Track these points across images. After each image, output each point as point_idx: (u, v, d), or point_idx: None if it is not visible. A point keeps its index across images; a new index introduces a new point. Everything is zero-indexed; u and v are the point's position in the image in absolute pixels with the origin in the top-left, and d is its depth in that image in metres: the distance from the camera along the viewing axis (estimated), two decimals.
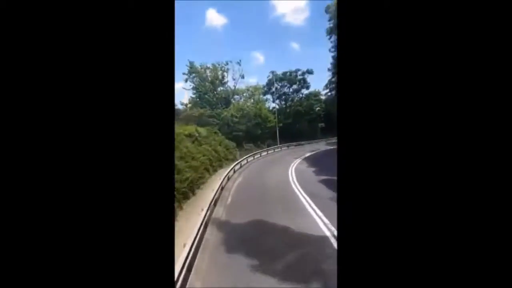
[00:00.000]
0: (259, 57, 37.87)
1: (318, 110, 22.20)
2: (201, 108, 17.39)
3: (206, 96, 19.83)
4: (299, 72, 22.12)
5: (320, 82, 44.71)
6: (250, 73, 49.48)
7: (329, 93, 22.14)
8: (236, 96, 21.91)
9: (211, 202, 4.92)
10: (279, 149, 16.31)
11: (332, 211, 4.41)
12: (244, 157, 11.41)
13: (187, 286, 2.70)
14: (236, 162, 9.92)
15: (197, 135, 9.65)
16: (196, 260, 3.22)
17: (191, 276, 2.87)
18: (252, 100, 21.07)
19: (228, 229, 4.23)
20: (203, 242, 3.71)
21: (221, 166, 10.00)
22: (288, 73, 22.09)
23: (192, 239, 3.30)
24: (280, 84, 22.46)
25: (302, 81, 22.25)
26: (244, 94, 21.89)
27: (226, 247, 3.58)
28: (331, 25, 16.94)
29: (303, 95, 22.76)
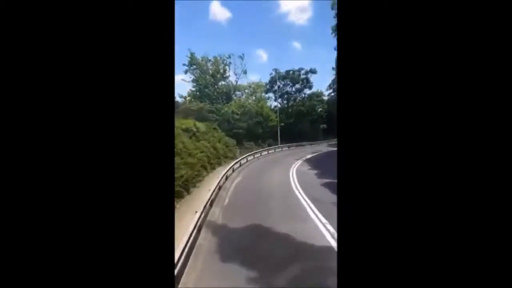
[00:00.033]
0: (262, 54, 37.46)
1: (321, 111, 21.96)
2: (201, 102, 16.89)
3: (206, 90, 19.34)
4: (303, 71, 21.77)
5: (322, 83, 44.57)
6: (253, 71, 49.20)
7: (332, 94, 21.81)
8: (237, 92, 21.48)
9: (206, 203, 4.54)
10: (280, 149, 16.04)
11: (336, 218, 4.05)
12: (244, 156, 11.04)
13: None
14: (236, 161, 9.54)
15: (195, 130, 9.24)
16: (186, 269, 2.85)
17: None
18: (254, 97, 20.69)
19: (224, 234, 3.86)
20: (195, 249, 3.34)
21: (219, 164, 9.61)
22: (291, 72, 21.70)
23: (183, 244, 2.92)
24: (282, 83, 22.07)
25: (305, 80, 21.88)
26: (246, 91, 21.49)
27: (221, 255, 3.22)
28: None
29: (306, 95, 22.46)
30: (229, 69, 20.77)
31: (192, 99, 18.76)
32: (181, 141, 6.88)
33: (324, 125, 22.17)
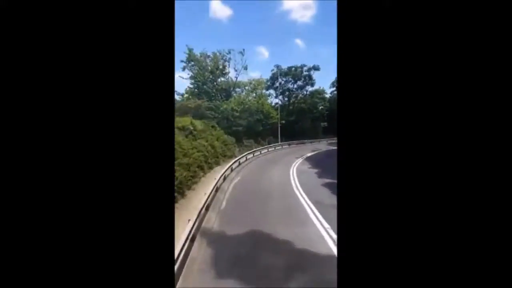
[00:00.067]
0: (264, 52, 36.82)
1: (322, 109, 21.59)
2: (199, 99, 16.39)
3: (204, 86, 18.75)
4: (305, 68, 21.23)
5: (325, 80, 44.10)
6: (254, 68, 48.59)
7: (335, 92, 21.41)
8: (237, 89, 20.94)
9: (202, 208, 4.21)
10: (280, 147, 15.84)
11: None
12: (243, 155, 10.71)
13: None
14: (234, 160, 9.20)
15: (191, 128, 8.85)
16: None
17: None
18: (254, 94, 20.15)
19: (220, 243, 3.55)
20: (187, 263, 3.03)
21: (217, 163, 9.27)
22: (293, 68, 21.21)
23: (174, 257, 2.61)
24: (284, 79, 21.59)
25: (307, 77, 21.42)
26: (246, 87, 20.93)
27: (216, 270, 2.91)
28: None
29: (308, 92, 22.03)
30: (229, 65, 20.14)
31: (190, 97, 18.20)
32: (176, 140, 6.50)
33: (325, 123, 21.87)
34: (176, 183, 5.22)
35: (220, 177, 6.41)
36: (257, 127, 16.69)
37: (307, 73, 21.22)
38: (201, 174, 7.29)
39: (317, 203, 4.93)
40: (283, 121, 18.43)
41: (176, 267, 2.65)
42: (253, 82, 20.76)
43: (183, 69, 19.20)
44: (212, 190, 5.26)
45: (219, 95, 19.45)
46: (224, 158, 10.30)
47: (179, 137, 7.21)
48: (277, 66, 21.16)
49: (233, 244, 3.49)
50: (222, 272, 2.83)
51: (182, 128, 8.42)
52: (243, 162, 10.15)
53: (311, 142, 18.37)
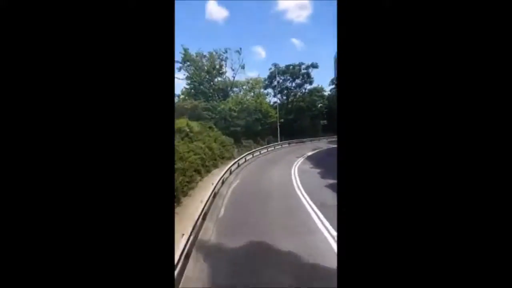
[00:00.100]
0: (261, 52, 36.56)
1: (321, 106, 21.34)
2: (195, 100, 15.95)
3: (201, 87, 18.29)
4: (303, 66, 20.91)
5: (322, 78, 43.98)
6: (251, 68, 48.41)
7: (334, 89, 21.13)
8: (235, 89, 20.51)
9: (198, 218, 3.85)
10: (280, 146, 15.55)
11: None
12: (242, 156, 10.34)
13: None
14: (233, 162, 8.83)
15: (188, 130, 8.47)
16: None
17: None
18: (252, 94, 19.72)
19: (218, 258, 3.19)
20: (181, 284, 2.67)
21: (215, 166, 8.90)
22: (291, 66, 20.91)
23: None
24: (282, 78, 21.28)
25: (305, 75, 21.12)
26: (244, 87, 20.47)
27: None
28: None
29: (306, 90, 21.74)
30: (226, 64, 19.65)
31: (186, 98, 17.73)
32: None
33: (325, 121, 21.62)
34: None
35: (218, 181, 6.04)
36: (256, 127, 16.36)
37: (305, 71, 20.95)
38: (198, 178, 6.91)
39: (322, 207, 4.59)
40: (282, 120, 18.14)
41: None
42: (251, 81, 20.33)
43: (179, 69, 18.75)
44: (209, 197, 4.89)
45: (216, 95, 19.02)
46: (222, 160, 9.93)
47: (175, 140, 6.81)
48: (275, 65, 20.91)
49: (232, 259, 3.14)
50: None
51: (178, 131, 8.04)
52: (242, 163, 9.79)
53: (311, 141, 18.19)
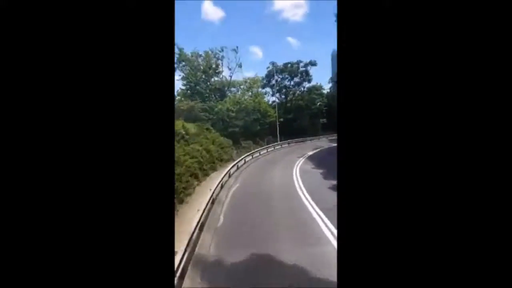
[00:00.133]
0: (258, 51, 36.34)
1: (320, 105, 21.05)
2: (192, 100, 15.55)
3: (197, 87, 17.89)
4: (301, 64, 20.57)
5: (320, 77, 43.78)
6: (248, 68, 48.21)
7: (333, 86, 20.87)
8: (232, 89, 20.13)
9: (194, 230, 3.51)
10: (280, 146, 15.24)
11: None
12: (242, 157, 10.01)
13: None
14: (233, 164, 8.49)
15: (183, 132, 8.11)
16: None
17: None
18: (250, 93, 19.35)
19: (218, 276, 2.86)
20: None
21: (214, 169, 8.56)
22: (289, 65, 20.55)
23: None
24: (280, 77, 20.93)
25: (304, 73, 20.77)
26: (242, 87, 20.09)
27: None
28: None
29: (305, 89, 21.42)
30: (222, 63, 19.26)
31: (182, 98, 17.31)
32: None
33: (324, 120, 21.35)
34: None
35: (217, 186, 5.71)
36: (255, 127, 16.03)
37: (303, 69, 20.61)
38: (195, 183, 6.56)
39: (329, 211, 4.28)
40: (281, 119, 17.84)
41: None
42: (249, 81, 19.96)
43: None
44: (207, 204, 4.56)
45: (213, 95, 18.64)
46: (221, 162, 9.58)
47: None
48: (273, 63, 20.56)
49: (232, 275, 2.81)
50: None
51: None
52: (241, 165, 9.46)
53: (311, 140, 17.97)
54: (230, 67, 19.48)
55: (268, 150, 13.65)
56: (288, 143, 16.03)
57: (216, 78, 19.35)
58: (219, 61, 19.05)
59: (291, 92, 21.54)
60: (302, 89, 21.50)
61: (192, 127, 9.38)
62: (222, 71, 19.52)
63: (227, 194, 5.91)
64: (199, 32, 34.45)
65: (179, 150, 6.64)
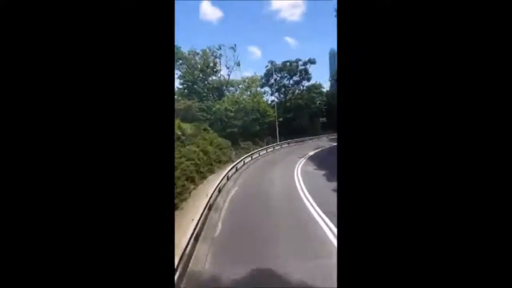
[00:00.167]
0: (256, 51, 36.15)
1: (320, 104, 20.74)
2: (189, 100, 15.12)
3: (195, 86, 17.44)
4: (300, 62, 20.23)
5: (319, 75, 43.75)
6: (247, 67, 48.04)
7: (333, 85, 20.61)
8: (231, 88, 19.73)
9: (188, 242, 3.15)
10: (279, 146, 14.92)
11: None
12: (241, 159, 9.66)
13: None
14: (231, 166, 8.13)
15: (179, 133, 7.73)
16: None
17: None
18: (248, 93, 18.98)
19: None
20: None
21: (211, 171, 8.19)
22: (288, 63, 20.23)
23: None
24: (279, 75, 20.58)
25: (303, 71, 20.45)
26: (240, 86, 19.70)
27: None
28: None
29: (304, 88, 21.10)
30: (220, 62, 18.81)
31: (179, 98, 16.87)
32: None
33: (324, 119, 21.08)
34: None
35: (214, 190, 5.35)
36: (254, 127, 15.67)
37: (303, 67, 20.29)
38: (192, 187, 6.20)
39: (334, 215, 3.95)
40: (281, 119, 17.52)
41: None
42: (247, 80, 19.57)
43: None
44: (203, 211, 4.21)
45: (211, 94, 18.22)
46: (219, 164, 9.22)
47: None
48: (271, 62, 20.23)
49: None
50: None
51: None
52: (241, 167, 9.11)
53: (311, 139, 17.73)
54: (228, 65, 19.07)
55: (268, 150, 13.32)
56: (288, 143, 15.72)
57: (214, 77, 18.93)
58: (217, 60, 18.61)
59: (290, 91, 21.22)
60: (302, 88, 21.20)
61: (188, 128, 8.99)
62: (220, 69, 19.11)
63: (225, 198, 5.56)
64: (197, 32, 34.16)
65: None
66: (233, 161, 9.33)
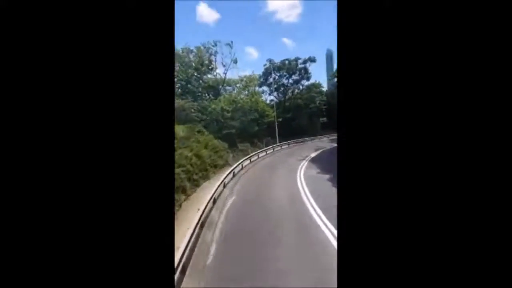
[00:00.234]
0: (253, 52, 35.53)
1: (319, 103, 20.19)
2: (182, 100, 14.28)
3: (189, 85, 16.61)
4: (300, 61, 19.59)
5: (317, 75, 43.35)
6: (244, 67, 47.38)
7: (332, 83, 20.07)
8: (228, 87, 18.94)
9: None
10: (279, 147, 14.24)
11: None
12: (238, 162, 8.92)
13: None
14: (229, 171, 7.39)
15: None
16: None
17: None
18: (246, 92, 18.22)
19: None
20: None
21: (206, 177, 7.44)
22: (287, 62, 19.56)
23: None
24: (278, 74, 19.90)
25: (303, 70, 19.81)
26: (238, 85, 18.93)
27: None
28: None
29: (304, 87, 20.50)
30: (216, 59, 17.96)
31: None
32: None
33: (324, 119, 20.53)
34: None
35: (208, 203, 4.61)
36: (252, 128, 14.94)
37: (302, 65, 19.66)
38: (182, 198, 5.45)
39: None
40: (280, 119, 16.85)
41: None
42: (245, 79, 18.83)
43: None
44: (193, 232, 3.47)
45: (206, 94, 17.41)
46: (215, 169, 8.48)
47: None
48: (270, 60, 19.55)
49: None
50: None
51: None
52: (238, 171, 8.38)
53: (311, 140, 17.20)
54: (224, 63, 18.21)
55: (267, 152, 12.63)
56: (288, 144, 15.11)
57: (209, 76, 18.09)
58: (212, 57, 17.73)
59: (289, 91, 20.62)
60: (301, 87, 20.61)
61: (181, 130, 8.22)
62: (216, 67, 18.25)
63: (220, 211, 4.83)
64: (194, 33, 33.41)
65: None
66: (230, 165, 8.59)
